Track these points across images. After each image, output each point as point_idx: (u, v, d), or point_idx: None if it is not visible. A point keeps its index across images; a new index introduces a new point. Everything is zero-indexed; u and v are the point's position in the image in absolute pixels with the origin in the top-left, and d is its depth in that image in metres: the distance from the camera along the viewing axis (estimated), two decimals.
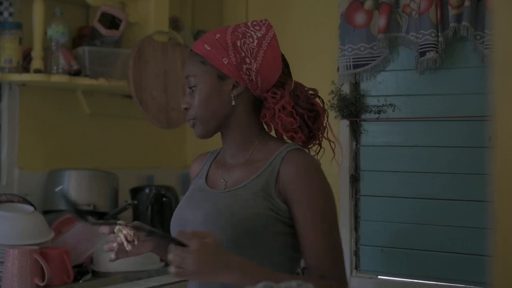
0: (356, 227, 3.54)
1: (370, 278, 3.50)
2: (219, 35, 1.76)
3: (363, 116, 3.51)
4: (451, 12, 3.16)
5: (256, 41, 1.75)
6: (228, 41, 1.74)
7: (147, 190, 3.37)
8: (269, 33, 1.78)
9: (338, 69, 3.49)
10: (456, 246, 3.25)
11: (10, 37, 2.85)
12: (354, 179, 3.54)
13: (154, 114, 3.19)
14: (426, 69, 3.27)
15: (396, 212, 3.42)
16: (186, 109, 1.81)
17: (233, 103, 1.76)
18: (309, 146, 1.85)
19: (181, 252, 1.53)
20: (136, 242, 1.76)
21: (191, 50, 1.80)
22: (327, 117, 1.84)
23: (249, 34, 1.75)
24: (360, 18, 3.40)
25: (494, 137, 1.27)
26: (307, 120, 1.79)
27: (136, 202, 3.25)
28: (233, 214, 1.71)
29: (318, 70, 3.61)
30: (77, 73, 2.99)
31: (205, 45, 1.76)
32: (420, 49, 3.22)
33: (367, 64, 3.42)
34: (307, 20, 3.69)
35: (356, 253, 3.54)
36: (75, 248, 2.77)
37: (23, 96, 3.08)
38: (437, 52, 3.19)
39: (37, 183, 3.13)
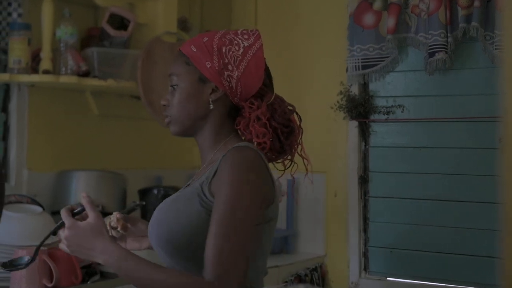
0: (365, 228, 3.53)
1: (379, 279, 3.49)
2: (207, 38, 1.78)
3: (372, 117, 3.51)
4: (461, 12, 3.15)
5: (241, 50, 1.76)
6: (214, 46, 1.76)
7: (155, 191, 3.37)
8: (256, 44, 1.79)
9: (346, 70, 3.49)
10: (465, 247, 3.24)
11: (19, 38, 2.85)
12: (363, 180, 3.53)
13: (163, 115, 3.19)
14: (435, 70, 3.26)
15: (405, 214, 3.41)
16: (164, 105, 1.83)
17: (211, 107, 1.77)
18: (279, 161, 1.83)
19: (62, 231, 1.71)
20: (119, 229, 1.87)
21: (179, 49, 1.82)
22: (302, 134, 1.83)
23: (236, 42, 1.77)
24: (368, 18, 3.39)
25: (504, 138, 1.26)
26: (280, 135, 1.78)
27: (144, 202, 3.21)
28: (166, 215, 1.74)
29: (327, 71, 3.61)
30: (85, 74, 2.99)
31: (192, 46, 1.78)
32: (429, 49, 3.21)
33: (376, 65, 3.41)
34: (316, 21, 3.68)
35: (365, 255, 3.53)
36: None
37: (32, 97, 3.08)
38: (446, 53, 3.18)
39: (45, 184, 3.13)
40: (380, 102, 3.49)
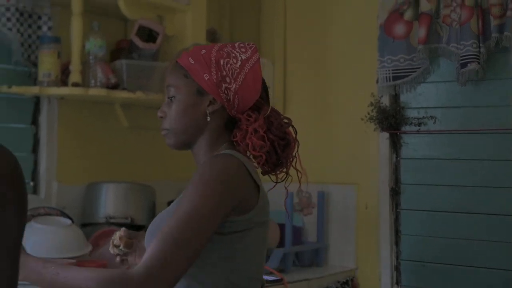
0: (397, 241, 3.48)
1: None
2: (205, 51, 1.79)
3: (403, 129, 3.46)
4: (493, 22, 3.10)
5: (239, 63, 1.77)
6: (212, 58, 1.76)
7: None
8: (253, 57, 1.79)
9: (377, 81, 3.45)
10: (498, 262, 3.18)
11: (49, 51, 2.87)
12: (395, 193, 3.49)
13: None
14: (467, 81, 3.21)
15: (438, 227, 3.37)
16: (161, 117, 1.84)
17: (208, 119, 1.78)
18: (274, 173, 1.84)
19: None
20: (122, 247, 1.89)
21: (176, 61, 1.82)
22: (298, 147, 1.83)
23: (233, 55, 1.78)
24: (399, 29, 3.36)
25: None
26: (277, 147, 1.79)
27: None
28: (155, 227, 1.75)
29: (357, 82, 3.59)
30: (115, 87, 3.00)
31: (190, 58, 1.78)
32: (461, 60, 3.16)
33: (407, 76, 3.37)
34: (345, 32, 3.66)
35: (397, 268, 3.49)
36: (112, 261, 2.76)
37: (62, 109, 3.10)
38: (478, 63, 3.13)
39: (75, 196, 3.14)
40: (411, 114, 3.45)
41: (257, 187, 1.72)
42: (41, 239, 2.67)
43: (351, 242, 3.60)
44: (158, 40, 3.10)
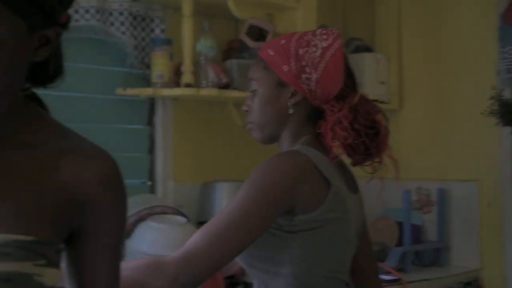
0: None
1: None
2: (284, 41, 1.75)
3: None
4: None
5: (319, 51, 1.71)
6: (291, 49, 1.72)
7: None
8: (335, 44, 1.73)
9: (498, 73, 3.31)
10: None
11: (161, 53, 2.93)
12: None
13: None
14: None
15: None
16: (246, 111, 1.82)
17: (290, 111, 1.74)
18: (366, 164, 1.76)
19: None
20: None
21: (258, 53, 1.80)
22: (388, 135, 1.75)
23: (313, 43, 1.72)
24: None
25: None
26: (365, 137, 1.70)
27: None
28: None
29: (476, 75, 3.47)
30: (226, 86, 3.02)
31: (269, 50, 1.75)
32: None
33: None
34: (463, 23, 3.54)
35: None
36: None
37: (176, 110, 3.16)
38: None
39: (191, 195, 3.19)
40: None
41: (328, 184, 1.65)
42: (157, 237, 2.73)
43: (474, 242, 3.46)
44: (268, 39, 3.10)
